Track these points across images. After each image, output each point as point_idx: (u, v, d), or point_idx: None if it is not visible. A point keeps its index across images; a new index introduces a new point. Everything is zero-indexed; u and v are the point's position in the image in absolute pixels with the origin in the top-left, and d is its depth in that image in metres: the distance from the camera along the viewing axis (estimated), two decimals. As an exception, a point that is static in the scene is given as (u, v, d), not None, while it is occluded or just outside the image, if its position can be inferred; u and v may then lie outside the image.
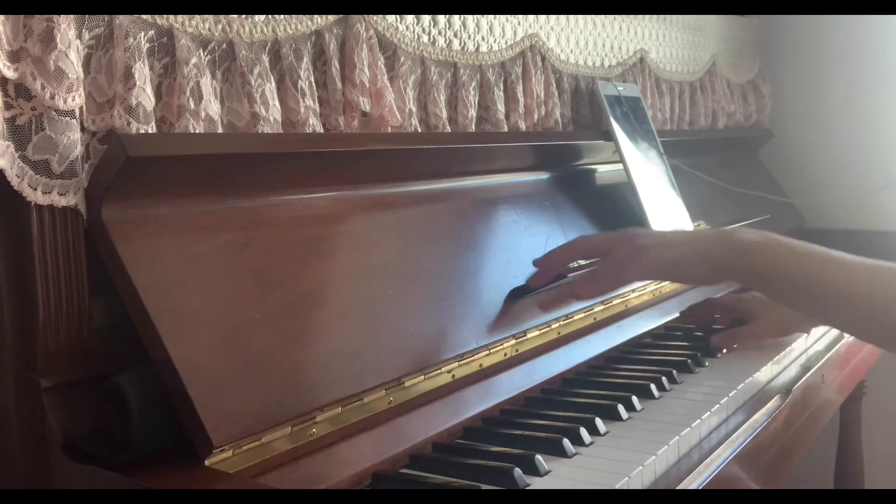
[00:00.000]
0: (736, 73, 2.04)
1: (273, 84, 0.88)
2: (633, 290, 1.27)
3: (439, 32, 1.10)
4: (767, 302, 1.21)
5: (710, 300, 1.27)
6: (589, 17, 1.43)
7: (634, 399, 0.94)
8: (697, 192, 1.58)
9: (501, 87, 1.22)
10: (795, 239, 0.87)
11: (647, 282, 0.85)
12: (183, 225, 0.74)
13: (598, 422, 0.87)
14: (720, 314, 1.26)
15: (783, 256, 0.82)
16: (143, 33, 0.77)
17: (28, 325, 0.71)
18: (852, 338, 1.35)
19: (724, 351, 1.17)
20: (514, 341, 1.00)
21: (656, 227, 0.92)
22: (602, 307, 1.19)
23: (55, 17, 0.69)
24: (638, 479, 0.77)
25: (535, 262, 0.97)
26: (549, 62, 1.32)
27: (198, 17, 0.81)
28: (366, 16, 0.98)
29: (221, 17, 0.83)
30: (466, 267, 0.99)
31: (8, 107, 0.68)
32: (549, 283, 0.93)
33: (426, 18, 1.08)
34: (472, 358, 0.93)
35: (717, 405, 0.94)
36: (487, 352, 0.96)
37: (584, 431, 0.85)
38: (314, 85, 0.93)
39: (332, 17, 0.95)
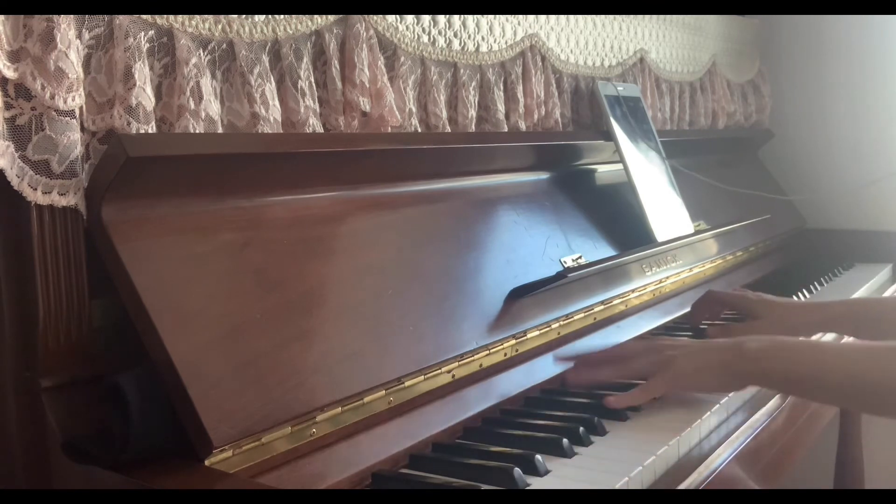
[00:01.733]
0: (736, 73, 2.04)
1: (273, 84, 0.88)
2: (632, 290, 1.27)
3: (439, 32, 1.10)
4: (770, 302, 1.22)
5: (712, 293, 1.29)
6: (589, 17, 1.43)
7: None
8: (697, 192, 1.58)
9: (501, 87, 1.22)
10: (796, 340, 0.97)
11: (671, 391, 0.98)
12: (183, 225, 0.74)
13: (599, 422, 0.87)
14: (720, 309, 1.28)
15: (789, 358, 0.91)
16: (143, 33, 0.77)
17: (28, 325, 0.71)
18: (853, 339, 1.35)
19: None
20: (514, 341, 1.00)
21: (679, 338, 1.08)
22: (602, 307, 1.19)
23: (55, 17, 0.68)
24: (638, 479, 0.77)
25: (573, 374, 1.04)
26: (549, 62, 1.32)
27: (198, 17, 0.81)
28: (366, 16, 0.98)
29: (221, 17, 0.83)
30: (466, 267, 0.99)
31: (8, 107, 0.68)
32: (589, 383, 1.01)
33: (426, 18, 1.08)
34: (472, 358, 0.93)
35: (717, 405, 0.94)
36: (487, 352, 0.96)
37: (584, 431, 0.85)
38: (314, 85, 0.93)
39: (332, 17, 0.95)
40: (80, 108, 0.73)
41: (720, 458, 0.86)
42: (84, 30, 0.73)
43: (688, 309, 1.35)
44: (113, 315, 0.74)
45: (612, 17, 1.49)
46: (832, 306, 1.23)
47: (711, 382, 0.94)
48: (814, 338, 1.26)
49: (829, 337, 1.32)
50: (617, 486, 0.74)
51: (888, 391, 0.85)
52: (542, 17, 1.30)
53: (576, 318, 1.12)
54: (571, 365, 1.05)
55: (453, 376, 0.91)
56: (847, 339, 1.24)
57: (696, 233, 1.44)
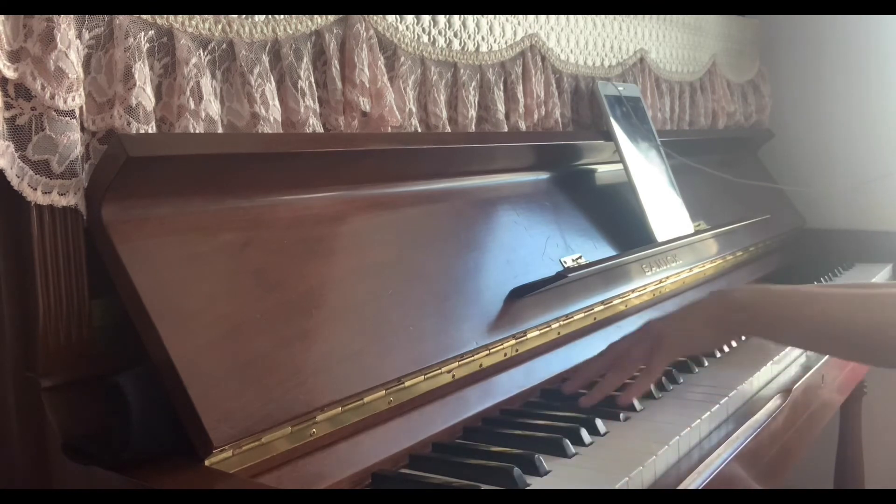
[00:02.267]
0: (736, 73, 2.03)
1: (273, 84, 0.88)
2: (632, 290, 1.27)
3: (439, 32, 1.10)
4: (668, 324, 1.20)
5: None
6: (589, 17, 1.43)
7: (634, 399, 0.94)
8: (697, 192, 1.58)
9: (501, 87, 1.22)
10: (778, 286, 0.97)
11: (678, 357, 1.00)
12: (183, 225, 0.74)
13: (598, 422, 0.87)
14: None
15: (776, 302, 0.91)
16: (143, 33, 0.77)
17: (28, 325, 0.71)
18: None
19: (726, 349, 1.17)
20: (514, 341, 1.00)
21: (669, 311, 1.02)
22: (602, 307, 1.19)
23: (55, 17, 0.68)
24: (638, 479, 0.77)
25: (567, 386, 1.00)
26: (549, 62, 1.32)
27: (198, 17, 0.81)
28: (366, 16, 0.98)
29: (221, 17, 0.83)
30: (466, 267, 0.99)
31: (8, 107, 0.68)
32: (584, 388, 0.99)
33: (426, 18, 1.08)
34: (472, 358, 0.93)
35: (718, 405, 0.94)
36: (487, 352, 0.96)
37: (584, 431, 0.85)
38: (314, 85, 0.93)
39: (332, 17, 0.95)
40: (80, 108, 0.73)
41: (720, 458, 0.86)
42: (84, 30, 0.73)
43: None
44: (113, 315, 0.75)
45: (612, 17, 1.49)
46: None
47: (705, 341, 0.95)
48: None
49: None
50: (617, 486, 0.74)
51: (875, 334, 0.84)
52: (542, 17, 1.30)
53: (576, 318, 1.12)
54: (574, 386, 0.99)
55: (453, 376, 0.91)
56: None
57: (696, 233, 1.44)
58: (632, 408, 0.92)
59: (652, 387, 0.98)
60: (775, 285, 0.96)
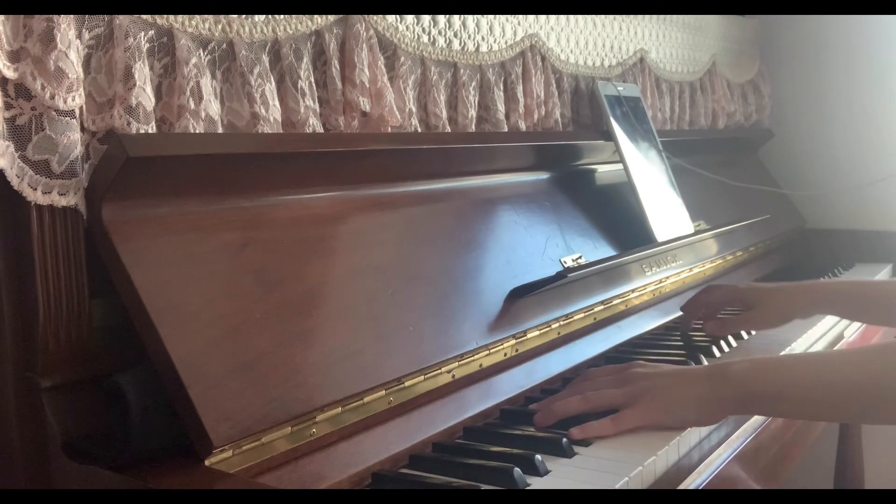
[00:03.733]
0: (736, 73, 2.03)
1: (273, 84, 0.88)
2: (632, 290, 1.27)
3: (439, 32, 1.10)
4: (762, 289, 1.20)
5: (701, 294, 1.24)
6: (589, 17, 1.43)
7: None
8: (697, 192, 1.58)
9: (501, 87, 1.22)
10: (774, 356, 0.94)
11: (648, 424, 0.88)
12: (183, 225, 0.74)
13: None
14: (714, 310, 1.25)
15: (775, 376, 0.85)
16: (143, 33, 0.77)
17: (28, 325, 0.71)
18: (853, 338, 1.35)
19: (726, 349, 1.17)
20: (514, 341, 1.00)
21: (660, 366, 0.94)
22: (602, 307, 1.19)
23: (55, 17, 0.68)
24: (638, 479, 0.77)
25: (538, 409, 0.91)
26: (549, 62, 1.32)
27: (198, 17, 0.81)
28: (366, 16, 0.98)
29: (221, 17, 0.83)
30: (466, 267, 0.99)
31: (8, 107, 0.68)
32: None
33: (426, 18, 1.08)
34: (472, 358, 0.93)
35: (717, 405, 0.94)
36: (487, 352, 0.96)
37: (584, 431, 0.85)
38: (314, 85, 0.93)
39: (332, 17, 0.95)
40: (80, 108, 0.73)
41: (720, 458, 0.86)
42: (84, 30, 0.73)
43: (677, 315, 1.35)
44: (113, 315, 0.75)
45: (612, 17, 1.49)
46: (828, 286, 1.21)
47: (690, 416, 0.86)
48: (813, 332, 1.26)
49: (831, 332, 1.32)
50: (617, 486, 0.74)
51: (884, 394, 0.80)
52: (542, 17, 1.30)
53: (576, 318, 1.12)
54: (540, 406, 0.92)
55: (453, 376, 0.91)
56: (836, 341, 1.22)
57: (696, 233, 1.44)
58: (581, 443, 0.83)
59: None
60: (772, 357, 0.90)
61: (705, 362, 1.10)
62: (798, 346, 1.21)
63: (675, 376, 0.89)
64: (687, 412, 0.86)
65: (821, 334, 1.30)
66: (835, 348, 1.29)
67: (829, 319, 1.33)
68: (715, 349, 1.14)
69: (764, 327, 1.20)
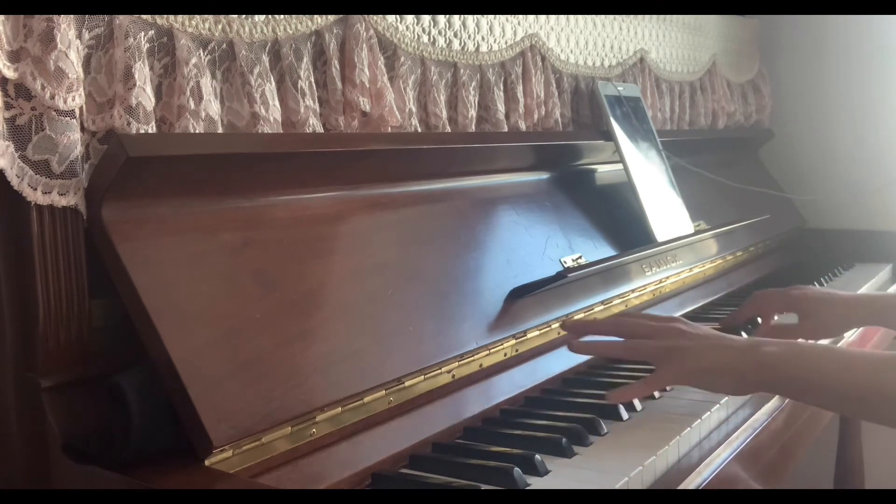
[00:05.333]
0: (736, 73, 2.03)
1: (273, 84, 0.88)
2: (632, 290, 1.27)
3: (439, 32, 1.10)
4: (821, 300, 1.17)
5: (753, 299, 1.22)
6: (589, 17, 1.43)
7: (635, 399, 0.94)
8: (697, 192, 1.58)
9: (501, 87, 1.22)
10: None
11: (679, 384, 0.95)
12: (183, 225, 0.74)
13: (599, 422, 0.87)
14: (766, 315, 1.22)
15: (808, 365, 0.86)
16: (143, 33, 0.77)
17: (28, 325, 0.71)
18: (853, 338, 1.35)
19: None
20: (514, 341, 1.00)
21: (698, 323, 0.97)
22: (602, 307, 1.19)
23: (55, 17, 0.68)
24: (638, 479, 0.77)
25: (574, 331, 1.00)
26: (549, 62, 1.32)
27: (198, 17, 0.81)
28: (366, 16, 0.98)
29: (221, 17, 0.83)
30: (466, 267, 0.99)
31: (8, 107, 0.68)
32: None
33: (426, 18, 1.08)
34: (472, 358, 0.93)
35: (718, 405, 0.94)
36: (487, 352, 0.96)
37: (584, 431, 0.85)
38: (314, 85, 0.93)
39: (332, 17, 0.95)
40: (80, 108, 0.73)
41: (720, 458, 0.86)
42: (84, 30, 0.73)
43: (689, 309, 1.35)
44: (113, 315, 0.75)
45: (612, 17, 1.49)
46: (881, 299, 1.19)
47: (720, 384, 0.89)
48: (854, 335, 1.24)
49: (880, 332, 1.30)
50: (617, 486, 0.74)
51: None
52: (542, 17, 1.30)
53: (576, 318, 1.12)
54: (575, 328, 1.02)
55: (453, 376, 0.91)
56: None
57: (696, 233, 1.44)
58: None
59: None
60: (810, 344, 0.92)
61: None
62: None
63: (712, 341, 0.91)
64: (719, 380, 0.89)
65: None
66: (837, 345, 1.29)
67: None
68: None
69: (821, 338, 1.18)
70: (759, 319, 1.22)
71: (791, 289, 1.20)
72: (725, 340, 0.91)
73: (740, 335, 1.16)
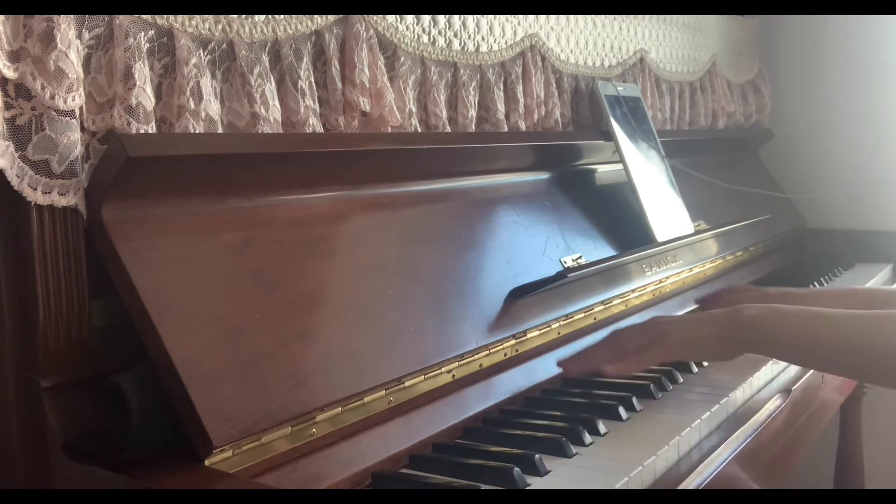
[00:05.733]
0: (736, 73, 2.04)
1: (273, 84, 0.88)
2: (632, 290, 1.27)
3: (439, 32, 1.10)
4: (792, 295, 1.19)
5: (723, 292, 1.27)
6: (589, 17, 1.43)
7: (634, 399, 0.94)
8: (697, 192, 1.58)
9: (501, 87, 1.22)
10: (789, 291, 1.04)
11: (668, 360, 1.01)
12: (183, 225, 0.74)
13: (598, 422, 0.87)
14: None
15: (787, 323, 0.91)
16: (143, 33, 0.77)
17: (28, 325, 0.72)
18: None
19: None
20: (514, 341, 1.00)
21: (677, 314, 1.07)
22: (602, 307, 1.19)
23: (55, 17, 0.69)
24: (638, 479, 0.77)
25: (565, 363, 1.04)
26: (549, 62, 1.32)
27: (198, 17, 0.81)
28: (366, 16, 0.98)
29: (221, 17, 0.83)
30: (466, 267, 0.99)
31: (8, 107, 0.68)
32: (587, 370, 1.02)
33: (426, 18, 1.08)
34: (472, 358, 0.93)
35: (717, 405, 0.94)
36: (487, 352, 0.96)
37: (584, 431, 0.85)
38: (314, 85, 0.93)
39: (332, 17, 0.95)
40: (80, 108, 0.73)
41: (720, 458, 0.86)
42: (84, 30, 0.73)
43: (689, 309, 1.35)
44: (113, 315, 0.75)
45: (612, 17, 1.49)
46: (856, 295, 1.21)
47: (706, 351, 0.95)
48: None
49: None
50: (617, 486, 0.74)
51: (885, 358, 0.85)
52: (542, 17, 1.30)
53: (576, 318, 1.12)
54: (567, 361, 1.04)
55: (453, 376, 0.91)
56: None
57: (696, 233, 1.44)
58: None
59: (653, 387, 0.98)
60: (788, 306, 0.96)
61: (707, 363, 1.11)
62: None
63: (693, 318, 0.98)
64: (706, 348, 0.95)
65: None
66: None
67: None
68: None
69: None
70: None
71: (765, 288, 1.25)
72: (704, 315, 0.98)
73: None
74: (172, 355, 0.67)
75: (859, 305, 1.17)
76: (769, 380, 1.10)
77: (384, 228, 0.93)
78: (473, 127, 1.17)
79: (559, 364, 1.02)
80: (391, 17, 1.02)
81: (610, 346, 1.00)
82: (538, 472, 0.76)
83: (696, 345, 0.95)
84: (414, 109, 1.07)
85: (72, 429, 0.70)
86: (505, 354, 0.99)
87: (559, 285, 1.06)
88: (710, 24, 1.89)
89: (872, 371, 0.88)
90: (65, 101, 0.69)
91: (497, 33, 1.21)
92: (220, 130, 0.83)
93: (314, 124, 0.92)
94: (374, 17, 0.99)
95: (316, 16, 0.93)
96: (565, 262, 1.13)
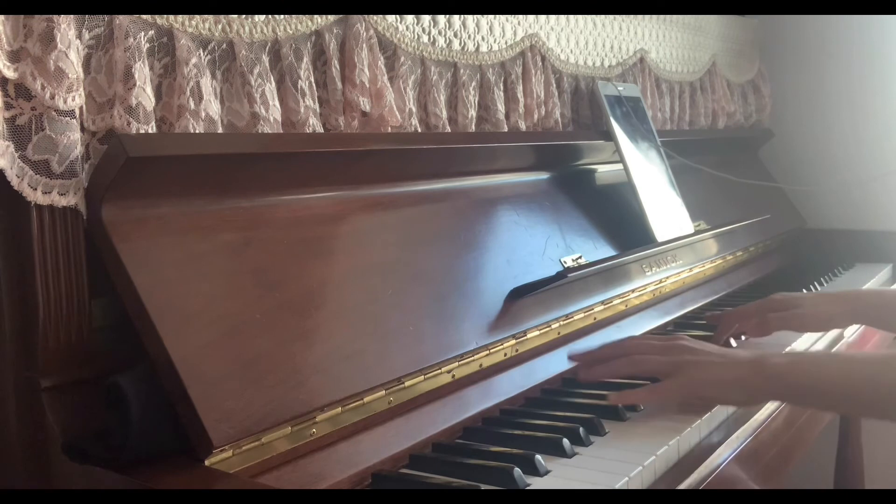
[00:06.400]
0: (736, 73, 2.03)
1: (273, 84, 0.88)
2: (632, 290, 1.27)
3: (439, 32, 1.10)
4: (803, 296, 1.19)
5: (737, 309, 1.23)
6: (589, 17, 1.43)
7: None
8: (697, 192, 1.58)
9: (501, 87, 1.22)
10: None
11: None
12: (183, 225, 0.74)
13: (599, 422, 0.87)
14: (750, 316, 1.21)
15: (811, 371, 0.88)
16: (143, 33, 0.77)
17: (28, 325, 0.71)
18: (853, 338, 1.35)
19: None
20: (514, 341, 1.00)
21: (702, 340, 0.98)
22: (602, 307, 1.19)
23: (55, 17, 0.68)
24: (638, 479, 0.77)
25: (580, 369, 1.00)
26: (549, 62, 1.32)
27: (198, 17, 0.81)
28: (366, 16, 0.98)
29: (221, 17, 0.83)
30: (466, 267, 0.99)
31: (8, 107, 0.68)
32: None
33: (426, 18, 1.08)
34: (472, 358, 0.93)
35: (717, 405, 0.94)
36: (487, 352, 0.96)
37: (584, 431, 0.85)
38: (314, 85, 0.93)
39: (332, 17, 0.95)
40: (80, 108, 0.73)
41: (720, 458, 0.86)
42: (84, 30, 0.73)
43: (688, 309, 1.35)
44: (113, 315, 0.75)
45: (612, 17, 1.49)
46: (863, 297, 1.20)
47: (726, 396, 0.90)
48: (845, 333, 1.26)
49: (856, 328, 1.32)
50: (617, 486, 0.74)
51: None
52: (542, 17, 1.30)
53: (576, 318, 1.12)
54: (582, 358, 1.03)
55: (453, 376, 0.91)
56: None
57: (696, 233, 1.44)
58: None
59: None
60: (813, 352, 0.95)
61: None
62: (799, 346, 1.21)
63: (719, 356, 0.92)
64: (727, 393, 0.90)
65: (821, 333, 1.30)
66: (834, 349, 1.29)
67: None
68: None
69: (802, 330, 1.20)
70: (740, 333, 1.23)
71: (770, 297, 1.21)
72: (730, 354, 0.93)
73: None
74: (172, 355, 0.67)
75: (866, 307, 1.18)
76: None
77: (384, 228, 0.93)
78: (473, 127, 1.17)
79: (571, 357, 1.02)
80: (391, 17, 1.02)
81: (629, 362, 0.95)
82: (538, 472, 0.76)
83: (717, 388, 0.90)
84: (414, 109, 1.07)
85: (72, 429, 0.70)
86: (505, 354, 0.99)
87: (559, 285, 1.06)
88: (710, 24, 1.89)
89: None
90: (65, 101, 0.69)
91: (497, 33, 1.21)
92: (220, 130, 0.83)
93: (314, 124, 0.92)
94: (374, 17, 0.99)
95: (316, 16, 0.93)
96: (565, 262, 1.13)
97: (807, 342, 1.25)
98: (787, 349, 1.17)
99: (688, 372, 0.90)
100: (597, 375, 0.96)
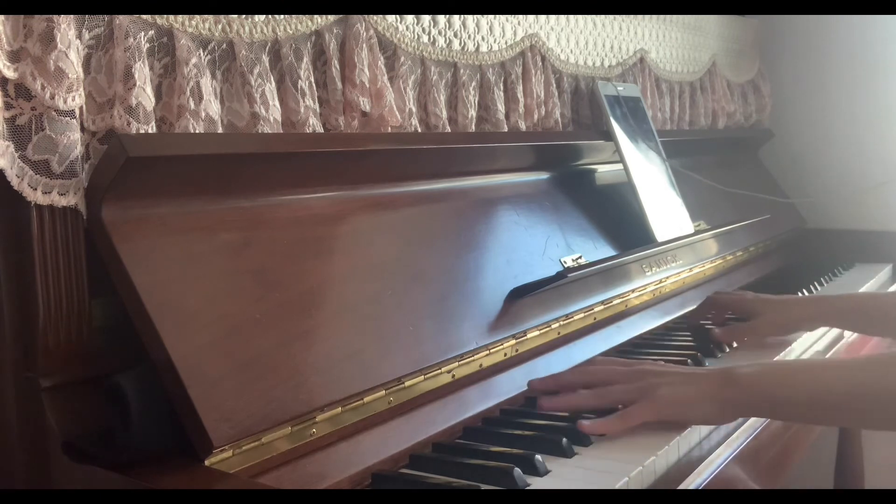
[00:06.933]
0: (736, 73, 2.03)
1: (273, 84, 0.88)
2: (632, 290, 1.27)
3: (439, 32, 1.10)
4: (770, 300, 1.22)
5: (711, 298, 1.27)
6: (589, 17, 1.43)
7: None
8: (697, 192, 1.58)
9: (501, 87, 1.22)
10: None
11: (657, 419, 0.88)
12: (183, 225, 0.74)
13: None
14: (721, 312, 1.27)
15: (782, 381, 0.86)
16: (143, 33, 0.77)
17: (28, 325, 0.71)
18: (852, 338, 1.35)
19: (726, 349, 1.17)
20: (514, 341, 1.00)
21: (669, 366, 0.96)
22: (602, 307, 1.19)
23: (55, 17, 0.69)
24: (638, 479, 0.77)
25: (543, 389, 0.96)
26: (549, 62, 1.32)
27: (198, 17, 0.81)
28: (366, 16, 0.98)
29: (221, 17, 0.83)
30: (466, 267, 0.99)
31: (8, 107, 0.68)
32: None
33: (426, 18, 1.08)
34: (472, 358, 0.93)
35: (717, 405, 0.94)
36: (487, 352, 0.96)
37: (584, 431, 0.85)
38: (314, 85, 0.93)
39: (332, 17, 0.95)
40: (80, 108, 0.73)
41: (720, 458, 0.86)
42: (84, 30, 0.73)
43: (688, 309, 1.35)
44: (113, 315, 0.74)
45: (612, 17, 1.49)
46: (833, 300, 1.22)
47: (696, 413, 0.87)
48: (811, 335, 1.26)
49: (831, 332, 1.32)
50: (617, 486, 0.74)
51: (883, 402, 0.81)
52: (542, 17, 1.30)
53: (576, 318, 1.12)
54: (543, 385, 0.96)
55: (453, 376, 0.91)
56: (838, 348, 1.24)
57: (696, 233, 1.44)
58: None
59: None
60: (783, 361, 0.93)
61: (707, 364, 1.11)
62: (798, 346, 1.21)
63: (685, 374, 0.90)
64: (697, 410, 0.87)
65: (820, 334, 1.30)
66: (834, 349, 1.29)
67: None
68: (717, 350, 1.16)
69: (769, 336, 1.21)
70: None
71: (745, 292, 1.26)
72: (697, 373, 0.90)
73: (704, 337, 1.20)
74: (172, 355, 0.67)
75: (860, 309, 1.18)
76: (769, 380, 1.10)
77: (384, 228, 0.93)
78: (473, 127, 1.17)
79: (532, 386, 0.95)
80: (391, 17, 1.02)
81: (593, 394, 0.90)
82: (538, 472, 0.76)
83: (686, 405, 0.87)
84: (414, 109, 1.07)
85: (72, 429, 0.70)
86: (505, 354, 0.99)
87: (559, 285, 1.06)
88: (710, 24, 1.89)
89: (886, 416, 0.83)
90: (65, 101, 0.69)
91: (497, 33, 1.21)
92: (220, 130, 0.83)
93: (314, 124, 0.92)
94: (374, 17, 0.99)
95: (316, 16, 0.93)
96: (565, 262, 1.13)
97: (807, 342, 1.25)
98: (787, 349, 1.18)
99: (654, 393, 0.87)
100: (560, 407, 0.91)
